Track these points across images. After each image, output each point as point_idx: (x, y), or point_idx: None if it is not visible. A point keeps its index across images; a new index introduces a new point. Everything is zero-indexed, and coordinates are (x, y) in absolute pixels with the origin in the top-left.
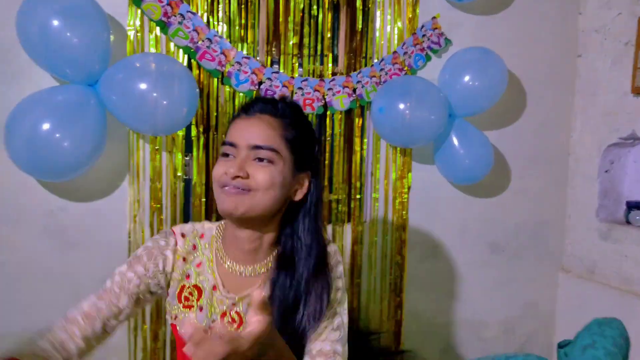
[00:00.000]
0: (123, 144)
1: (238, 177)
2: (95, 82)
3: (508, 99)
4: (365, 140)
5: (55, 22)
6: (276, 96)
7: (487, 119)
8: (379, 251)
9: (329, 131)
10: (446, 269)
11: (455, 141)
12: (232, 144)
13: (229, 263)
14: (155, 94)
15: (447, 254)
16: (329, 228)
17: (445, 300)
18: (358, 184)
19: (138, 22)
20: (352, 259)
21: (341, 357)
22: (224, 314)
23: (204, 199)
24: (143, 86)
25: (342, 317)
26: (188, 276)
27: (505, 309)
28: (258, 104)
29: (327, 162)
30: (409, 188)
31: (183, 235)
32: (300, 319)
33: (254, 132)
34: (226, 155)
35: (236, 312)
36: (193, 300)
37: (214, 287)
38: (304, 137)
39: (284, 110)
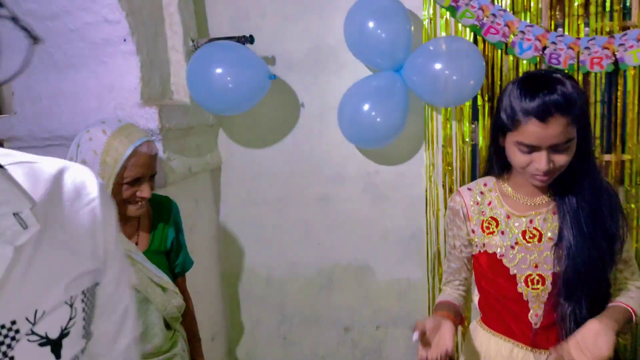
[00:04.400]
0: (420, 116)
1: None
2: (400, 68)
3: None
4: None
5: (370, 24)
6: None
7: None
8: None
9: (620, 89)
10: None
11: None
12: (532, 146)
13: (517, 197)
14: (447, 72)
15: None
16: (620, 190)
17: None
18: None
19: (431, 11)
20: None
21: None
22: (524, 232)
23: None
24: (437, 66)
25: None
26: (483, 212)
27: None
28: (551, 110)
29: (619, 120)
30: None
31: (469, 189)
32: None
33: (552, 136)
34: (524, 151)
35: (534, 227)
36: (493, 228)
37: (508, 216)
38: (584, 110)
39: (573, 102)
